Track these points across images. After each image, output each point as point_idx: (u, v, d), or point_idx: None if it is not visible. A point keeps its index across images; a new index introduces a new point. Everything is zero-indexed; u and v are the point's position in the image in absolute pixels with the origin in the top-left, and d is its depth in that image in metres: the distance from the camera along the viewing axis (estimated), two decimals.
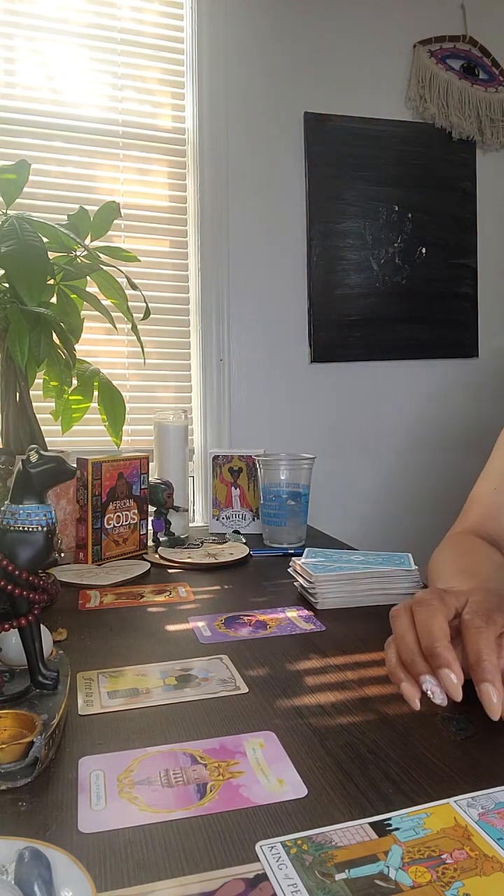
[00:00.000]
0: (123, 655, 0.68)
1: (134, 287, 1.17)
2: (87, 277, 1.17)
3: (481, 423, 1.89)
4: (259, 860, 0.37)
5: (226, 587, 0.94)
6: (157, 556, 1.10)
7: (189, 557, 1.08)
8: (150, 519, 1.18)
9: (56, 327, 1.06)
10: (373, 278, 1.84)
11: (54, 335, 1.06)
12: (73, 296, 1.17)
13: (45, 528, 0.54)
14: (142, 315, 1.23)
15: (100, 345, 1.62)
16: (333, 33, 1.81)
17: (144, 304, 1.23)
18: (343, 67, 1.82)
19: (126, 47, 1.65)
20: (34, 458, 0.55)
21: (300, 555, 0.97)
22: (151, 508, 1.18)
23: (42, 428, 1.10)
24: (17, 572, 0.52)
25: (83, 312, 1.19)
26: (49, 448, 1.04)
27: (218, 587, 0.94)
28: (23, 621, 0.53)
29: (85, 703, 0.57)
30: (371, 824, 0.40)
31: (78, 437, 1.52)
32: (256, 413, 1.77)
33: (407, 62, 1.89)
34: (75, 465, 1.04)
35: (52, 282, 1.09)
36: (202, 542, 1.19)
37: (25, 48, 1.58)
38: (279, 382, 1.78)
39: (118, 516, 1.10)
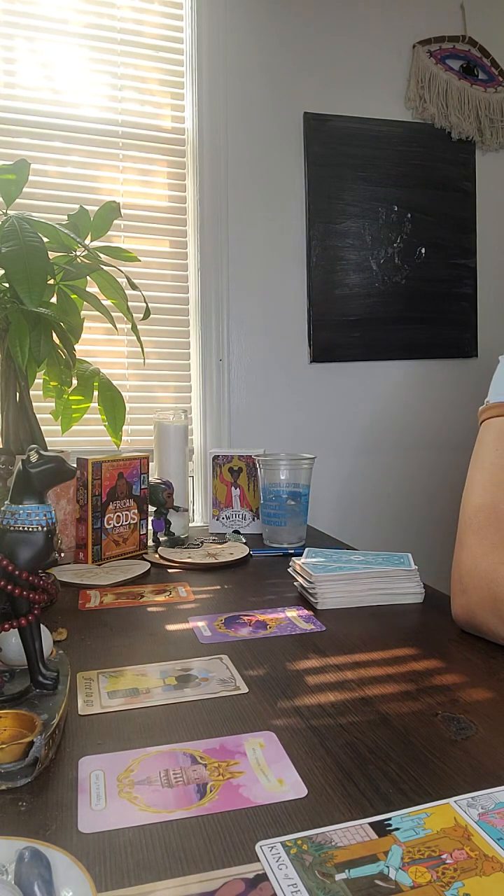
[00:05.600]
0: (123, 655, 0.68)
1: (134, 287, 1.17)
2: (87, 277, 1.17)
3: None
4: (259, 860, 0.37)
5: (226, 587, 0.94)
6: (157, 556, 1.10)
7: (189, 557, 1.08)
8: (150, 519, 1.18)
9: (56, 327, 1.06)
10: (372, 278, 1.84)
11: (54, 335, 1.06)
12: (73, 296, 1.17)
13: (45, 528, 0.54)
14: (142, 315, 1.23)
15: (100, 345, 1.62)
16: (333, 33, 1.81)
17: (144, 304, 1.23)
18: (343, 68, 1.82)
19: (126, 48, 1.65)
20: (34, 458, 0.55)
21: (300, 555, 0.97)
22: (151, 508, 1.19)
23: (42, 428, 1.10)
24: (17, 572, 0.52)
25: (83, 312, 1.19)
26: (49, 448, 1.04)
27: (218, 587, 0.94)
28: (23, 621, 0.53)
29: (85, 703, 0.57)
30: (371, 824, 0.40)
31: (78, 437, 1.52)
32: (256, 413, 1.77)
33: (406, 62, 1.89)
34: (75, 465, 1.04)
35: (52, 282, 1.09)
36: (202, 542, 1.19)
37: (25, 48, 1.58)
38: (279, 382, 1.78)
39: (118, 516, 1.10)
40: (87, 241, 1.17)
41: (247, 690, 0.59)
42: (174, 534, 1.20)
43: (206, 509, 1.66)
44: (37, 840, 0.37)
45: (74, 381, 1.18)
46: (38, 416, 1.10)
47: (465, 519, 0.74)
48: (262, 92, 1.75)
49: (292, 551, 1.13)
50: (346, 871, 0.36)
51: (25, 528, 0.53)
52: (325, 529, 1.42)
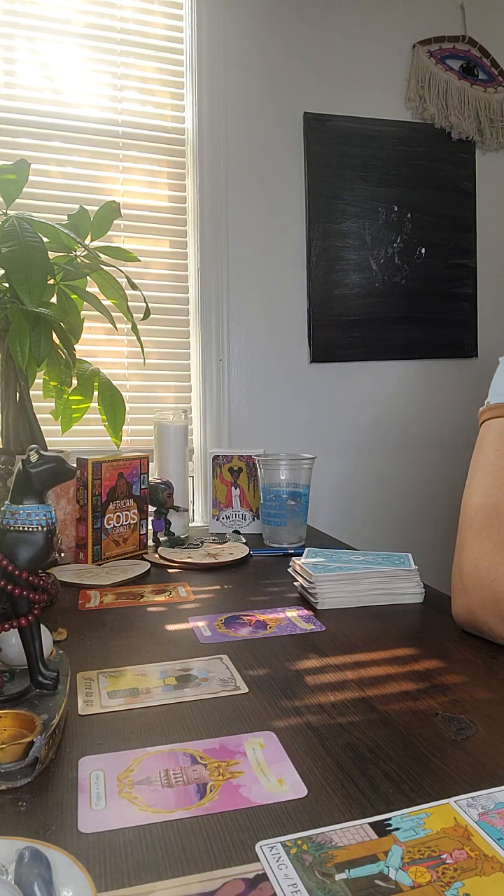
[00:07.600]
0: (123, 655, 0.68)
1: (134, 287, 1.17)
2: (87, 277, 1.17)
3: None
4: (259, 860, 0.37)
5: (226, 587, 0.94)
6: (157, 556, 1.10)
7: (189, 557, 1.08)
8: (150, 519, 1.18)
9: (56, 327, 1.06)
10: (372, 278, 1.84)
11: (54, 335, 1.06)
12: (73, 296, 1.17)
13: (45, 528, 0.54)
14: (142, 315, 1.23)
15: (100, 345, 1.62)
16: (333, 33, 1.81)
17: (144, 304, 1.23)
18: (343, 67, 1.82)
19: (126, 47, 1.65)
20: (34, 458, 0.55)
21: (300, 555, 0.97)
22: (151, 508, 1.19)
23: (42, 428, 1.10)
24: (17, 572, 0.52)
25: (83, 312, 1.19)
26: (49, 448, 1.04)
27: (218, 587, 0.94)
28: (23, 621, 0.53)
29: (85, 703, 0.57)
30: (371, 824, 0.40)
31: (78, 437, 1.52)
32: (256, 413, 1.77)
33: (406, 62, 1.89)
34: (75, 465, 1.04)
35: (52, 282, 1.09)
36: (202, 542, 1.19)
37: (25, 48, 1.58)
38: (279, 382, 1.78)
39: (118, 516, 1.10)
40: (87, 241, 1.17)
41: (247, 690, 0.59)
42: (174, 534, 1.20)
43: (206, 509, 1.66)
44: (37, 840, 0.37)
45: (74, 381, 1.18)
46: (38, 416, 1.10)
47: (466, 519, 0.75)
48: (262, 92, 1.75)
49: (292, 551, 1.13)
50: (346, 871, 0.36)
51: (25, 528, 0.53)
52: (325, 529, 1.42)
